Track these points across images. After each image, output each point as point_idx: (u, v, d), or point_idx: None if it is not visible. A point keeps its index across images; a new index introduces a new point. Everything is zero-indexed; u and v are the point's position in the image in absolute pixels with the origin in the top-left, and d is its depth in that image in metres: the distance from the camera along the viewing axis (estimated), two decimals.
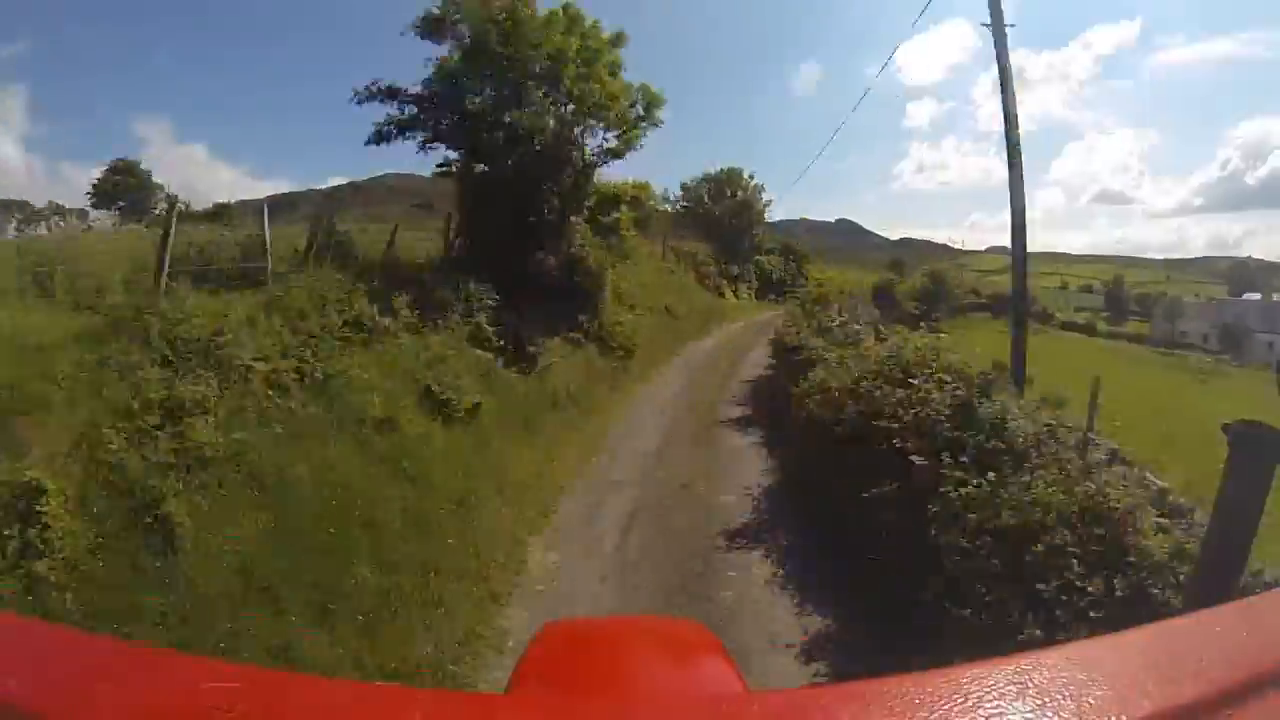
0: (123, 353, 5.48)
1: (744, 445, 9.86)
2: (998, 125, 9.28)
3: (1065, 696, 0.57)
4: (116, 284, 6.66)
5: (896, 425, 5.82)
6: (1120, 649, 0.68)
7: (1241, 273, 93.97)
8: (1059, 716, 0.56)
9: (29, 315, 5.82)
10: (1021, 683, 0.60)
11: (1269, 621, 0.71)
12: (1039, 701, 0.57)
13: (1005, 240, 9.70)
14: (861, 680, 0.63)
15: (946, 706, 0.57)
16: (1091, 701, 0.56)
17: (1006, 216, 9.06)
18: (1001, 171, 10.79)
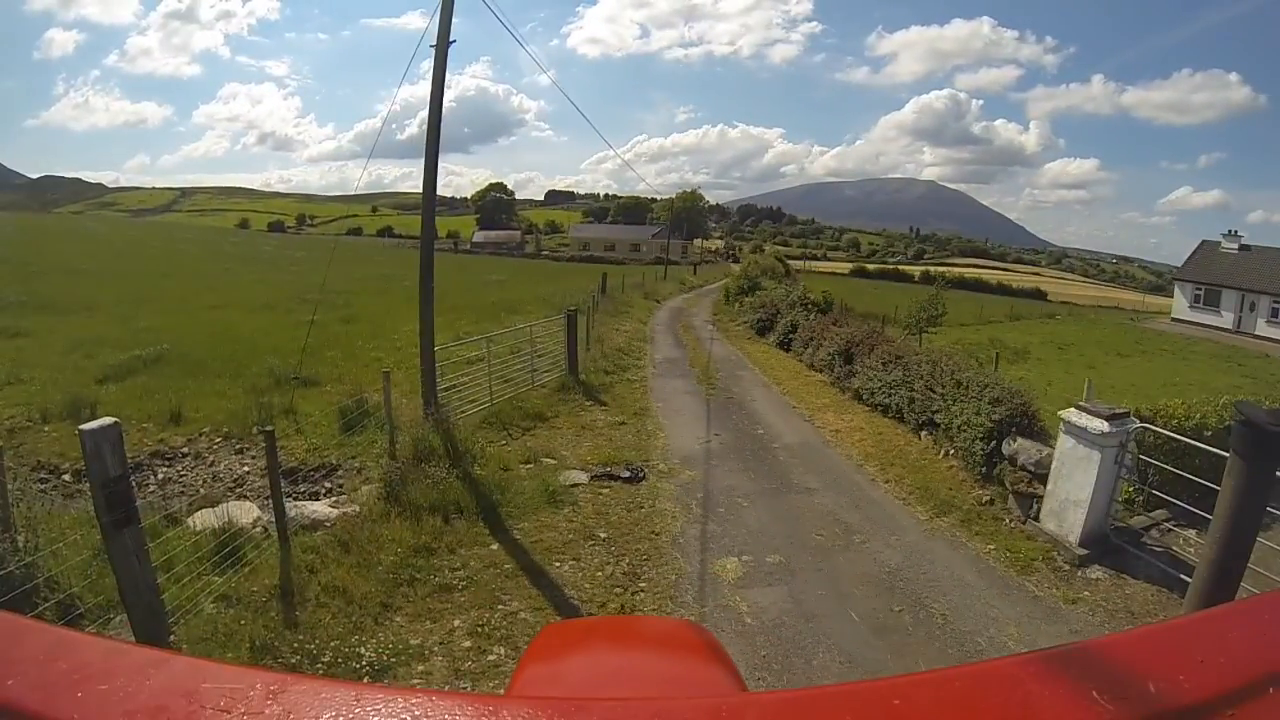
0: None
1: None
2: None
3: (1064, 697, 0.57)
4: None
5: None
6: (1120, 649, 0.68)
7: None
8: (1059, 717, 0.55)
9: None
10: (1020, 683, 0.60)
11: (1269, 621, 0.71)
12: (1038, 702, 0.57)
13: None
14: (861, 680, 0.63)
15: (945, 706, 0.57)
16: (1092, 701, 0.56)
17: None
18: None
